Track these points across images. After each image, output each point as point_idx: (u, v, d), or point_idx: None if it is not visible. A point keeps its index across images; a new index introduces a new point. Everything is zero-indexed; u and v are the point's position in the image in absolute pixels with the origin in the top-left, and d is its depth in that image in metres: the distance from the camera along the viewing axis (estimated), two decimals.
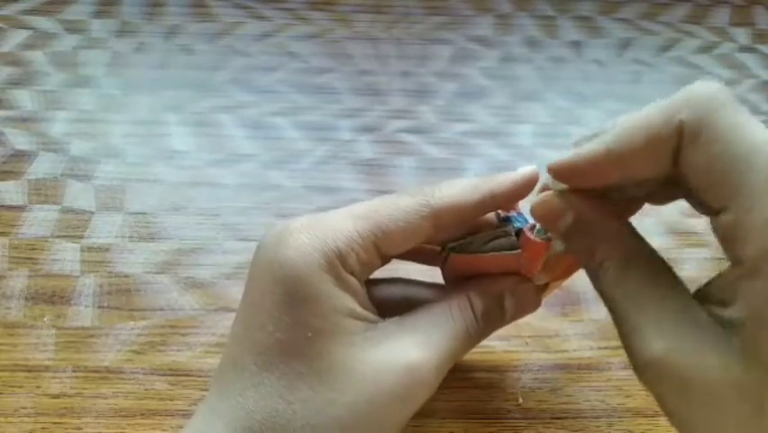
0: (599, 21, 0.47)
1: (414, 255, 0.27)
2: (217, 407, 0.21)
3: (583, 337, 0.32)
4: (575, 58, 0.45)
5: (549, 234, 0.23)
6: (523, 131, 0.41)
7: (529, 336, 0.32)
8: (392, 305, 0.25)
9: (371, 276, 0.24)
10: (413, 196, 0.23)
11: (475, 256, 0.25)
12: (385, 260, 0.24)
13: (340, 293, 0.22)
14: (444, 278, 0.27)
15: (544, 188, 0.24)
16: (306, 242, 0.21)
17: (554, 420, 0.30)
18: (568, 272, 0.26)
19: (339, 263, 0.22)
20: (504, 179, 0.24)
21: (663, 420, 0.27)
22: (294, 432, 0.20)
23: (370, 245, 0.22)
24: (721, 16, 0.47)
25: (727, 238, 0.18)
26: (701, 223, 0.37)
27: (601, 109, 0.42)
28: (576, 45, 0.45)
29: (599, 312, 0.33)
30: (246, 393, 0.21)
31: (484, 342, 0.32)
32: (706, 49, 0.46)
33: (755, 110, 0.42)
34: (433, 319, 0.23)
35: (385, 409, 0.21)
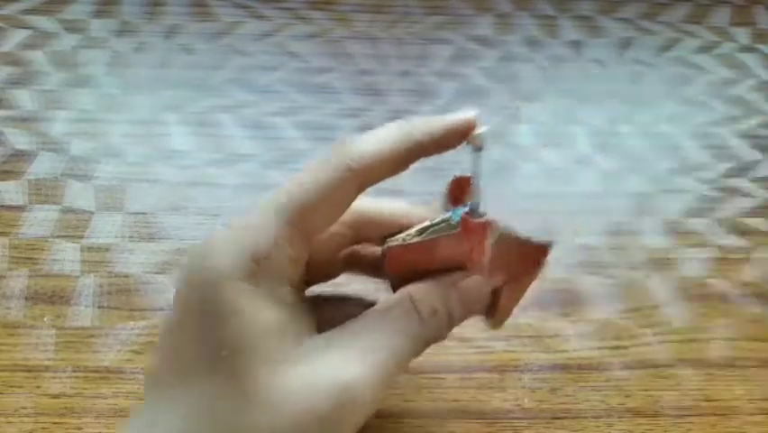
0: (600, 20, 0.47)
1: (360, 267, 0.26)
2: (150, 419, 0.20)
3: (583, 337, 0.32)
4: (575, 57, 0.45)
5: (488, 217, 0.23)
6: (523, 131, 0.41)
7: (529, 336, 0.32)
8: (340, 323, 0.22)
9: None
10: (331, 162, 0.21)
11: (415, 244, 0.23)
12: (313, 241, 0.22)
13: (260, 306, 0.20)
14: (391, 284, 0.25)
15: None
16: (223, 250, 0.20)
17: (554, 420, 0.30)
18: (520, 280, 0.25)
19: (260, 267, 0.20)
20: (435, 124, 0.22)
21: (663, 420, 0.27)
22: None
23: (295, 234, 0.21)
24: (721, 16, 0.47)
25: None
26: (702, 223, 0.37)
27: (601, 109, 0.42)
28: (576, 45, 0.45)
29: (599, 312, 0.33)
30: (175, 409, 0.20)
31: (485, 342, 0.32)
32: (706, 48, 0.46)
33: (756, 110, 0.42)
34: (370, 328, 0.21)
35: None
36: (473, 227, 0.22)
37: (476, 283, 0.23)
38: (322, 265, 0.24)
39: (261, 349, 0.19)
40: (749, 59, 0.45)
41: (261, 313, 0.20)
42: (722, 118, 0.42)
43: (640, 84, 0.44)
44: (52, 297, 0.33)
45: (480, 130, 0.23)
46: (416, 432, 0.29)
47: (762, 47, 0.46)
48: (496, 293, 0.25)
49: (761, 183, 0.39)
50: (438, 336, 0.22)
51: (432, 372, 0.31)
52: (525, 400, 0.30)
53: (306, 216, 0.21)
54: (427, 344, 0.22)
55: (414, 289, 0.22)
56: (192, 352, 0.20)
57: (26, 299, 0.33)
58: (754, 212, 0.38)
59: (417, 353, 0.22)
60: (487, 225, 0.23)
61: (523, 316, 0.33)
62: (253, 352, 0.19)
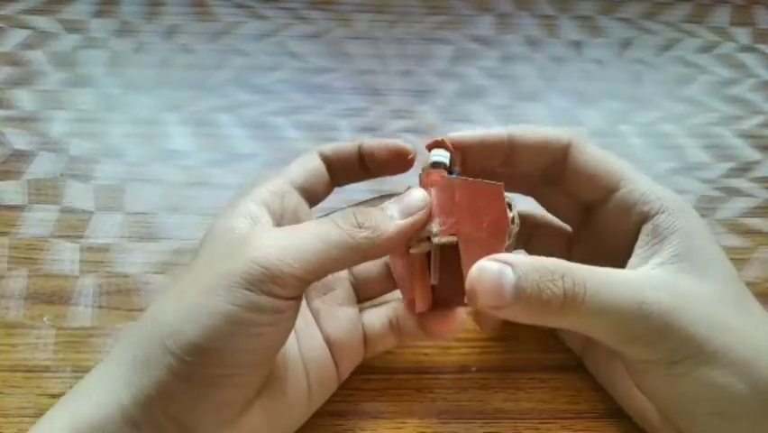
0: (600, 20, 0.47)
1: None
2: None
3: None
4: (575, 57, 0.45)
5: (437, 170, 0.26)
6: None
7: (529, 336, 0.32)
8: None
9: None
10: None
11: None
12: (307, 195, 0.28)
13: (229, 216, 0.25)
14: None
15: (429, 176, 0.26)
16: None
17: (554, 420, 0.30)
18: (483, 239, 0.25)
19: (240, 198, 0.26)
20: (376, 142, 0.28)
21: None
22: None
23: (276, 180, 0.27)
24: (722, 16, 0.47)
25: (622, 208, 0.26)
26: None
27: (601, 109, 0.42)
28: (576, 45, 0.45)
29: None
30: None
31: (484, 342, 0.32)
32: (706, 48, 0.46)
33: (756, 110, 0.42)
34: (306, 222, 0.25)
35: (212, 274, 0.22)
36: (427, 178, 0.26)
37: (411, 190, 0.25)
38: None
39: (210, 240, 0.25)
40: (749, 60, 0.45)
41: (222, 219, 0.25)
42: (722, 118, 0.42)
43: (640, 84, 0.44)
44: (52, 297, 0.33)
45: (435, 155, 0.26)
46: (417, 432, 0.29)
47: (762, 47, 0.46)
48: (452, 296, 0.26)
49: (761, 183, 0.39)
50: (367, 222, 0.24)
51: (432, 372, 0.31)
52: (526, 400, 0.30)
53: (291, 172, 0.28)
54: (355, 227, 0.24)
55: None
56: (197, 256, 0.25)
57: (26, 299, 0.33)
58: (754, 212, 0.38)
59: (340, 234, 0.23)
60: (440, 175, 0.26)
61: None
62: (204, 243, 0.25)
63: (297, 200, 0.27)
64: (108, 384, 0.22)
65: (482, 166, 0.27)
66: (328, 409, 0.29)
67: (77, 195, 0.37)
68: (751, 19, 0.47)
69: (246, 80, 0.42)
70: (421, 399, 0.30)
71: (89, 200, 0.37)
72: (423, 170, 0.27)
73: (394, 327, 0.29)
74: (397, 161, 0.28)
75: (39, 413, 0.29)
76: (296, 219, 0.26)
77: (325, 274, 0.23)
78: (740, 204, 0.38)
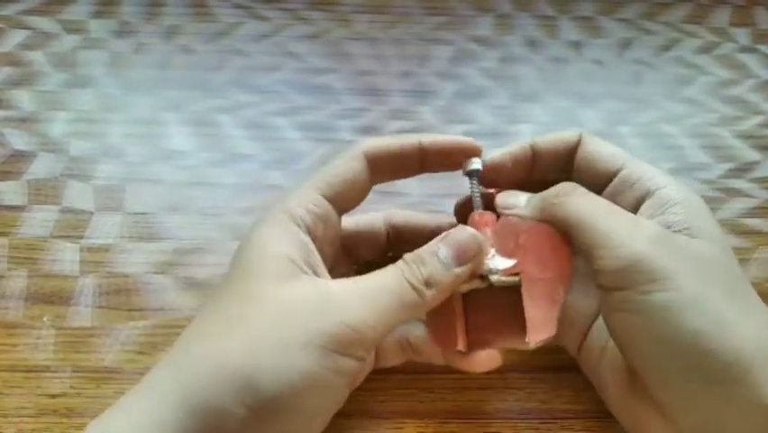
0: (600, 21, 0.47)
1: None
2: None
3: None
4: (575, 58, 0.45)
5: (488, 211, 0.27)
6: (523, 131, 0.41)
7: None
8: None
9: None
10: (349, 150, 0.27)
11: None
12: (341, 206, 0.27)
13: (276, 240, 0.24)
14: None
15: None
16: (270, 215, 0.25)
17: (554, 420, 0.30)
18: (543, 278, 0.25)
19: (287, 218, 0.24)
20: (437, 136, 0.28)
21: None
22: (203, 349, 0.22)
23: (317, 197, 0.25)
24: (722, 16, 0.47)
25: (626, 185, 0.26)
26: None
27: (601, 109, 0.42)
28: (576, 45, 0.45)
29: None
30: (196, 321, 0.24)
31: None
32: (706, 49, 0.46)
33: (756, 110, 0.42)
34: (370, 276, 0.24)
35: (295, 327, 0.21)
36: (476, 220, 0.27)
37: (462, 231, 0.25)
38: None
39: (269, 269, 0.23)
40: (749, 60, 0.45)
41: (275, 245, 0.23)
42: (722, 119, 0.42)
43: (640, 84, 0.44)
44: (52, 297, 0.33)
45: (472, 161, 0.28)
46: (417, 432, 0.29)
47: (762, 47, 0.46)
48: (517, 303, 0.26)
49: (761, 183, 0.39)
50: (431, 279, 0.24)
51: (432, 372, 0.31)
52: (525, 400, 0.30)
53: (322, 183, 0.26)
54: (423, 301, 0.24)
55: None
56: (221, 285, 0.24)
57: (25, 299, 0.33)
58: (754, 212, 0.38)
59: (414, 296, 0.23)
60: (490, 219, 0.27)
61: None
62: (261, 270, 0.23)
63: (335, 221, 0.27)
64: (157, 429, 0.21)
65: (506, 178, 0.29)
66: None
67: (77, 195, 0.37)
68: (751, 19, 0.47)
69: (246, 81, 0.42)
70: (421, 399, 0.30)
71: (89, 200, 0.37)
72: (457, 204, 0.30)
73: (405, 346, 0.29)
74: (462, 156, 0.28)
75: (39, 413, 0.29)
76: (330, 241, 0.26)
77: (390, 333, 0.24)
78: (740, 204, 0.38)
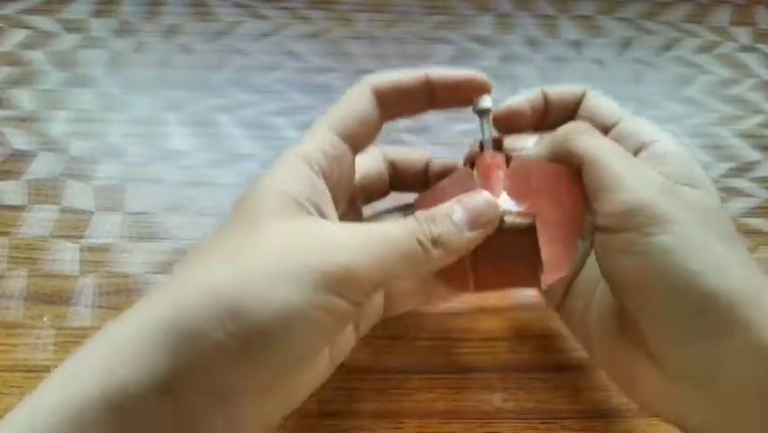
0: (600, 20, 0.47)
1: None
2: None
3: None
4: (575, 57, 0.45)
5: (499, 153, 0.26)
6: None
7: (530, 336, 0.32)
8: None
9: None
10: (358, 86, 0.26)
11: (434, 188, 0.28)
12: (355, 146, 0.26)
13: (284, 179, 0.23)
14: None
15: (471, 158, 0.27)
16: (284, 157, 0.25)
17: (554, 420, 0.30)
18: (556, 216, 0.25)
19: (301, 160, 0.24)
20: (445, 70, 0.27)
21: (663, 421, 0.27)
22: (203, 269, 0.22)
23: (333, 138, 0.25)
24: (722, 16, 0.47)
25: (623, 137, 0.27)
26: None
27: None
28: (576, 45, 0.45)
29: None
30: (194, 254, 0.23)
31: (485, 342, 0.32)
32: (706, 48, 0.46)
33: (756, 109, 0.42)
34: (376, 224, 0.24)
35: (287, 261, 0.21)
36: (486, 161, 0.26)
37: (479, 198, 0.25)
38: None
39: (269, 206, 0.23)
40: (749, 59, 0.45)
41: (280, 184, 0.23)
42: (722, 118, 0.42)
43: (641, 84, 0.44)
44: (52, 297, 0.33)
45: (483, 98, 0.27)
46: (417, 432, 0.29)
47: (762, 47, 0.46)
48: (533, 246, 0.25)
49: (761, 183, 0.39)
50: (441, 238, 0.23)
51: (432, 372, 0.31)
52: (525, 400, 0.30)
53: (333, 121, 0.25)
54: (429, 259, 0.23)
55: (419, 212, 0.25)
56: (226, 226, 0.24)
57: (25, 299, 0.33)
58: (754, 212, 0.38)
59: (417, 249, 0.23)
60: (501, 161, 0.26)
61: (527, 313, 0.33)
62: (261, 207, 0.23)
63: (350, 161, 0.26)
64: (141, 348, 0.20)
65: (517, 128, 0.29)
66: (327, 409, 0.29)
67: (77, 195, 0.37)
68: (751, 19, 0.47)
69: (246, 80, 0.42)
70: (421, 399, 0.30)
71: (89, 200, 0.37)
72: (470, 153, 0.28)
73: (412, 290, 0.29)
74: (471, 92, 0.28)
75: None
76: (346, 184, 0.26)
77: (391, 283, 0.23)
78: (740, 204, 0.38)
